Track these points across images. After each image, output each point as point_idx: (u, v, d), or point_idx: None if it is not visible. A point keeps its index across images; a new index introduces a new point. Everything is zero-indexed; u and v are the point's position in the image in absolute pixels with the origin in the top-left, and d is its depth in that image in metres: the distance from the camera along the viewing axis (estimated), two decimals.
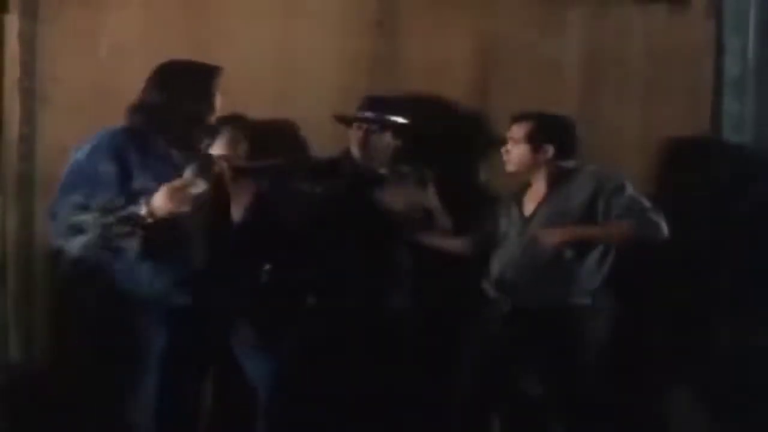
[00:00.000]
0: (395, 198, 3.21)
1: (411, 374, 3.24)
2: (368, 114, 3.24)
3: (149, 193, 2.56)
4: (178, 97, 2.69)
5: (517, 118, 3.14)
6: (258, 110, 3.32)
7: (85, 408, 2.57)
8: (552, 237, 3.01)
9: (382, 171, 3.28)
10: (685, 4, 3.62)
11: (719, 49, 3.64)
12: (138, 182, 2.60)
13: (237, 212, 3.19)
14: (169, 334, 2.70)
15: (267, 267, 3.15)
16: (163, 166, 2.67)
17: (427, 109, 3.46)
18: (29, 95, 3.43)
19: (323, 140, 3.34)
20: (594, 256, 3.08)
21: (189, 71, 2.76)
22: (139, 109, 2.71)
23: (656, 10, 3.61)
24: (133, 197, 2.56)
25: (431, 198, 3.29)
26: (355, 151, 3.26)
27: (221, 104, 2.78)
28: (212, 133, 3.15)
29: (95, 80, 3.40)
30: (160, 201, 2.52)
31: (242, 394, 3.23)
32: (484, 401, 3.19)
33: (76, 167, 2.63)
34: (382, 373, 3.14)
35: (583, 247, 3.06)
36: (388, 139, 3.25)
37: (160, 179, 2.61)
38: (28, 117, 3.43)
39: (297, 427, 3.16)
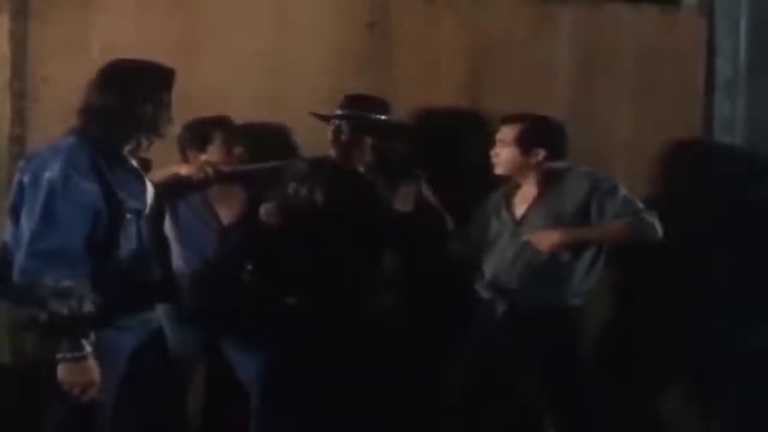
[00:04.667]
0: (398, 196, 3.19)
1: (404, 376, 3.25)
2: (344, 111, 3.21)
3: (132, 210, 2.47)
4: (132, 101, 2.49)
5: (506, 120, 3.13)
6: (250, 112, 3.32)
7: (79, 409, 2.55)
8: (548, 239, 3.01)
9: (362, 171, 3.24)
10: (677, 5, 3.63)
11: (711, 50, 3.65)
12: (117, 199, 2.44)
13: (226, 216, 3.19)
14: (157, 338, 2.66)
15: (249, 267, 3.15)
16: (133, 178, 2.54)
17: (417, 110, 3.47)
18: (20, 96, 3.41)
19: (315, 142, 3.33)
20: (586, 257, 3.09)
21: (142, 74, 2.55)
22: (93, 113, 2.49)
23: (648, 11, 3.62)
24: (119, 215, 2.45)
25: (427, 195, 3.28)
26: (332, 150, 3.23)
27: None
28: (202, 137, 3.15)
29: (87, 80, 3.39)
30: (71, 375, 2.35)
31: (234, 394, 3.23)
32: (478, 403, 3.19)
33: (50, 189, 2.35)
34: (375, 375, 3.15)
35: (576, 249, 3.06)
36: (363, 136, 3.19)
37: (135, 194, 2.50)
38: (20, 118, 3.41)
39: (288, 428, 3.16)
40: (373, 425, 3.17)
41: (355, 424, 3.14)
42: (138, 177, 2.57)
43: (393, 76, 3.49)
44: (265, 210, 3.10)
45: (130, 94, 2.50)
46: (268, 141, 3.38)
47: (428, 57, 3.54)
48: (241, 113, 3.27)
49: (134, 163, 2.57)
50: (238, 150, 3.18)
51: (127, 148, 2.54)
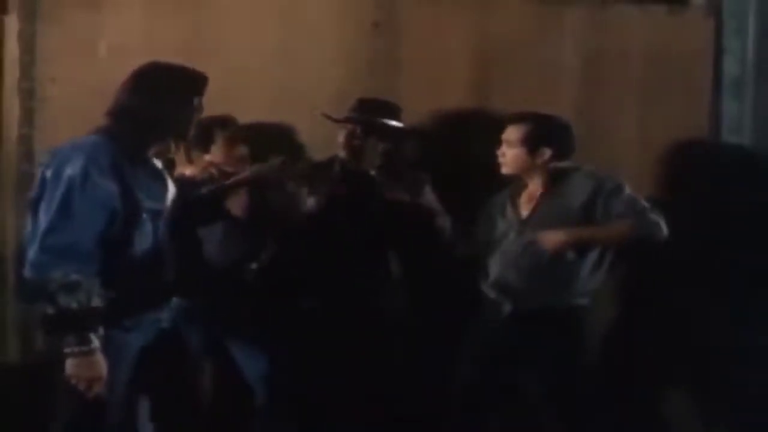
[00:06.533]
0: (396, 199, 3.20)
1: (409, 375, 3.25)
2: (355, 115, 3.22)
3: (150, 211, 2.49)
4: (165, 104, 2.52)
5: (512, 120, 3.13)
6: (256, 112, 3.33)
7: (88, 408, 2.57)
8: (554, 239, 3.01)
9: (373, 173, 3.26)
10: (684, 5, 3.62)
11: (718, 51, 3.64)
12: (136, 199, 2.46)
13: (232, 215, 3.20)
14: (167, 337, 2.67)
15: (254, 265, 3.16)
16: (154, 179, 2.57)
17: (423, 110, 3.48)
18: (28, 96, 3.44)
19: (321, 142, 3.34)
20: (592, 257, 3.09)
21: (176, 78, 2.57)
22: (122, 114, 2.51)
23: (655, 11, 3.62)
24: (135, 212, 2.46)
25: (429, 199, 3.29)
26: (342, 153, 3.25)
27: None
28: (205, 138, 3.16)
29: (94, 81, 3.39)
30: (78, 369, 2.35)
31: (240, 393, 3.24)
32: (483, 402, 3.19)
33: (70, 185, 2.37)
34: (380, 375, 3.15)
35: (582, 248, 3.06)
36: (374, 140, 3.22)
37: (154, 195, 2.53)
38: (28, 117, 3.44)
39: (293, 428, 3.17)
40: (378, 425, 3.17)
41: (360, 424, 3.14)
42: (160, 178, 2.60)
43: (398, 76, 3.50)
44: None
45: (159, 97, 2.52)
46: (272, 141, 3.40)
47: (434, 57, 3.55)
48: (248, 113, 3.28)
49: (158, 164, 2.60)
50: (240, 150, 3.19)
51: (152, 150, 2.57)
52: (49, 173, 2.44)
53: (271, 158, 3.08)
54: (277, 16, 3.50)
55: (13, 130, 3.46)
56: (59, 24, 3.43)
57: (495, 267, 3.16)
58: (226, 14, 3.48)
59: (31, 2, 3.41)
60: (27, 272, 2.37)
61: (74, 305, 2.31)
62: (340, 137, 3.24)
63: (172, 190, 2.64)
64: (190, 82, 2.59)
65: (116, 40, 3.43)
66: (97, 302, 2.35)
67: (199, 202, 2.93)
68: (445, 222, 3.26)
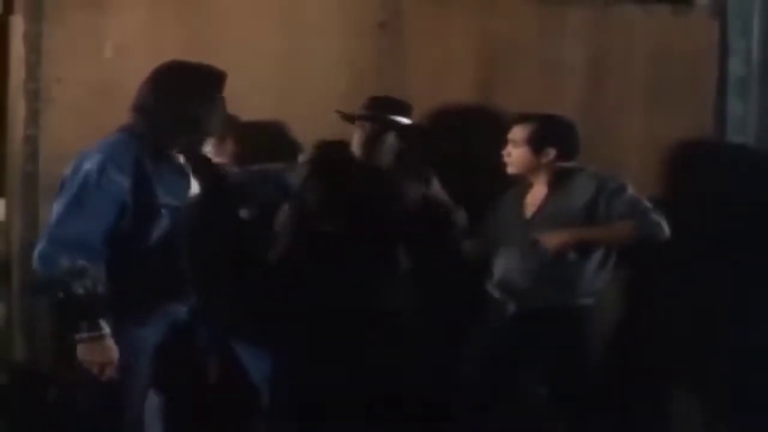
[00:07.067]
0: (409, 195, 3.21)
1: (412, 374, 3.25)
2: (371, 113, 3.24)
3: (168, 207, 2.51)
4: (187, 102, 2.56)
5: (517, 120, 3.14)
6: (260, 112, 3.34)
7: (87, 408, 2.57)
8: (555, 240, 3.01)
9: (384, 170, 3.27)
10: (689, 5, 3.62)
11: (723, 51, 3.64)
12: (153, 195, 2.49)
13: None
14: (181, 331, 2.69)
15: (262, 264, 3.17)
16: (176, 176, 2.60)
17: (431, 110, 3.48)
18: (34, 96, 3.44)
19: None
20: (597, 257, 3.09)
21: (196, 75, 2.62)
22: (145, 112, 2.55)
23: (659, 11, 3.62)
24: (149, 210, 2.49)
25: (438, 194, 3.29)
26: (357, 150, 3.25)
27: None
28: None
29: (100, 81, 3.42)
30: (90, 354, 2.39)
31: (245, 393, 3.24)
32: (487, 402, 3.19)
33: (86, 179, 2.42)
34: (384, 374, 3.15)
35: (585, 249, 3.06)
36: (390, 138, 3.23)
37: (174, 192, 2.55)
38: (33, 118, 3.44)
39: (299, 428, 3.17)
40: (380, 424, 3.17)
41: (366, 424, 3.14)
42: (182, 175, 2.63)
43: (404, 76, 3.50)
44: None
45: (179, 95, 2.56)
46: (273, 140, 3.41)
47: (439, 57, 3.55)
48: (253, 114, 3.29)
49: (182, 161, 2.64)
50: (230, 146, 3.21)
51: (176, 147, 2.61)
52: (69, 171, 2.49)
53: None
54: (281, 17, 3.50)
55: (18, 131, 3.46)
56: (64, 25, 3.43)
57: (500, 266, 3.16)
58: (230, 14, 3.48)
59: (36, 3, 3.41)
60: (35, 264, 2.41)
61: (81, 291, 2.35)
62: (356, 135, 3.24)
63: (195, 187, 2.68)
64: (206, 80, 2.63)
65: (121, 40, 3.43)
66: (102, 290, 2.39)
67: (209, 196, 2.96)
68: (457, 218, 3.26)
